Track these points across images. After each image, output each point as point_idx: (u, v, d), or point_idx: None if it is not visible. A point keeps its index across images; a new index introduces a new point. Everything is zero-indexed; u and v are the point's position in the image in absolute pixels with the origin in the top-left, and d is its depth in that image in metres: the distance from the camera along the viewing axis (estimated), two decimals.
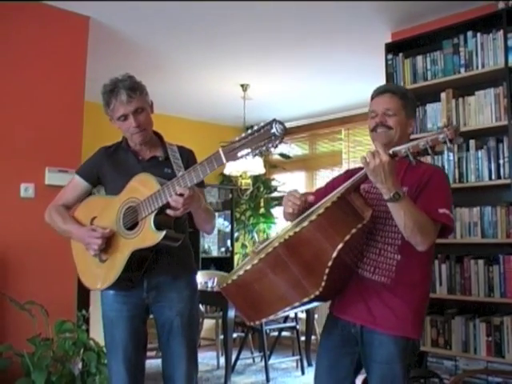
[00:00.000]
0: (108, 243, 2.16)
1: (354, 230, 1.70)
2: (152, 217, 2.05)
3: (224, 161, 1.85)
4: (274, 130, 1.71)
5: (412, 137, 2.06)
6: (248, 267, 1.72)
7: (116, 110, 2.21)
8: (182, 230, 2.22)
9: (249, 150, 1.77)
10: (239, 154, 1.80)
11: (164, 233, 2.03)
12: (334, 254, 1.66)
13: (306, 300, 1.69)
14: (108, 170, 2.32)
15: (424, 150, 1.63)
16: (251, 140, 1.76)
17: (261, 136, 1.74)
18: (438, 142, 1.61)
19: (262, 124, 1.75)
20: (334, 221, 1.70)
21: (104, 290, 2.26)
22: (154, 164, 2.26)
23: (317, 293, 1.67)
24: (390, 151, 1.71)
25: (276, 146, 1.75)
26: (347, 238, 1.67)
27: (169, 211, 2.01)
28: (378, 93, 2.06)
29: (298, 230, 1.68)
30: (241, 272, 1.73)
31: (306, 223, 1.68)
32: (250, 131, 1.78)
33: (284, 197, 1.98)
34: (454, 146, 1.62)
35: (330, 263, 1.65)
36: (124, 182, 2.18)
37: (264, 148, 1.75)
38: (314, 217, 1.68)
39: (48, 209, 2.37)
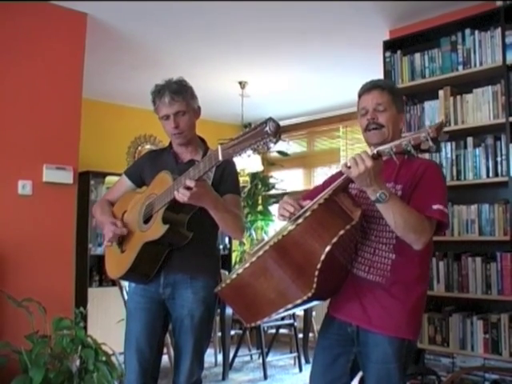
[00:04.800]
0: (130, 235, 2.29)
1: (342, 232, 1.69)
2: (162, 211, 2.14)
3: (220, 158, 1.88)
4: (267, 128, 1.73)
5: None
6: (240, 271, 1.73)
7: (159, 110, 2.34)
8: (201, 232, 2.25)
9: (243, 148, 1.80)
10: (234, 152, 1.83)
11: (167, 226, 2.10)
12: (323, 257, 1.65)
13: (298, 302, 1.69)
14: (148, 171, 2.43)
15: (407, 150, 1.60)
16: (246, 138, 1.79)
17: (255, 134, 1.77)
18: (420, 141, 1.58)
19: (258, 123, 1.77)
20: (321, 223, 1.70)
21: (122, 280, 2.37)
22: (190, 167, 2.31)
23: (309, 294, 1.67)
24: (375, 151, 1.69)
25: (268, 144, 1.76)
26: (335, 240, 1.67)
27: (176, 194, 2.04)
28: (366, 89, 2.03)
29: (286, 233, 1.69)
30: (234, 275, 1.75)
31: (293, 226, 1.68)
32: (247, 129, 1.81)
33: (278, 205, 1.96)
34: (438, 143, 1.59)
35: (319, 265, 1.65)
36: None
37: (256, 146, 1.77)
38: (301, 220, 1.68)
39: (97, 202, 2.61)
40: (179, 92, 2.30)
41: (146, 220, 2.24)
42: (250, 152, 1.80)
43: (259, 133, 1.75)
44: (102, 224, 2.40)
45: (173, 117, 2.30)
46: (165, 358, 2.48)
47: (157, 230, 2.14)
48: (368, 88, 2.02)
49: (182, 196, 2.02)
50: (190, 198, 2.01)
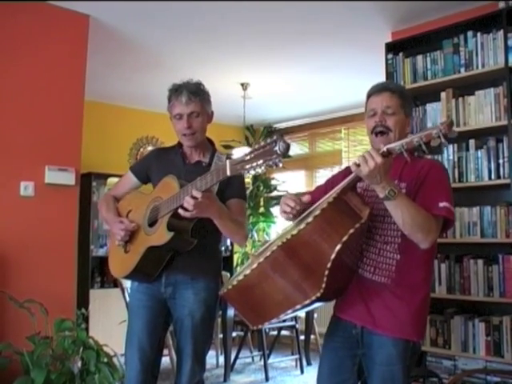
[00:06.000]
0: (134, 236, 2.31)
1: (351, 230, 1.68)
2: (167, 217, 2.14)
3: (228, 173, 1.90)
4: (276, 148, 1.74)
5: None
6: (247, 272, 1.71)
7: (174, 107, 2.35)
8: (204, 237, 2.27)
9: (251, 166, 1.81)
10: (242, 169, 1.84)
11: (172, 234, 2.12)
12: (333, 256, 1.64)
13: (307, 302, 1.68)
14: (155, 169, 2.44)
15: (418, 146, 1.61)
16: (256, 156, 1.80)
17: (265, 153, 1.77)
18: (431, 138, 1.58)
19: (268, 141, 1.77)
20: (330, 222, 1.69)
21: (125, 279, 2.42)
22: (197, 169, 2.33)
23: (318, 294, 1.66)
24: (384, 148, 1.68)
25: (277, 164, 1.77)
26: (345, 238, 1.66)
27: (180, 211, 2.07)
28: (376, 91, 2.01)
29: (295, 232, 1.67)
30: (240, 277, 1.73)
31: (302, 225, 1.67)
32: (256, 146, 1.81)
33: (280, 202, 1.97)
34: (447, 140, 1.59)
35: (329, 265, 1.64)
36: None
37: (265, 164, 1.78)
38: (310, 219, 1.67)
39: (102, 197, 2.62)
40: (197, 93, 2.32)
41: (151, 223, 2.25)
42: (258, 170, 1.80)
43: (268, 152, 1.76)
44: (108, 222, 2.43)
45: (186, 117, 2.31)
46: (167, 360, 2.47)
47: (161, 236, 2.15)
48: (378, 90, 2.01)
49: (187, 205, 2.03)
50: (195, 208, 2.02)
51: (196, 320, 2.30)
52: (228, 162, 1.90)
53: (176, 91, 2.33)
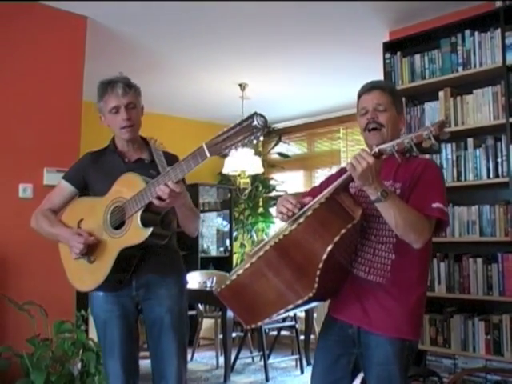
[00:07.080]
0: (97, 244, 2.18)
1: (343, 231, 1.68)
2: (139, 214, 2.08)
3: (208, 155, 1.87)
4: (255, 123, 1.75)
5: None
6: (240, 271, 1.72)
7: (109, 101, 2.26)
8: (169, 229, 2.25)
9: (232, 143, 1.80)
10: (222, 148, 1.83)
11: (151, 229, 2.06)
12: (324, 256, 1.65)
13: (299, 302, 1.68)
14: (93, 173, 2.35)
15: (410, 148, 1.61)
16: (234, 133, 1.80)
17: (243, 129, 1.78)
18: (422, 139, 1.58)
19: (245, 117, 1.78)
20: (322, 222, 1.69)
21: (93, 292, 2.29)
22: (140, 166, 2.29)
23: (310, 295, 1.66)
24: (376, 149, 1.69)
25: (257, 139, 1.78)
26: (337, 239, 1.66)
27: (154, 201, 2.02)
28: (366, 90, 2.03)
29: (287, 233, 1.67)
30: (234, 277, 1.73)
31: (294, 226, 1.68)
32: (232, 125, 1.81)
33: (277, 202, 1.95)
34: (439, 142, 1.59)
35: (320, 265, 1.64)
36: (109, 184, 2.21)
37: (246, 141, 1.78)
38: (302, 219, 1.67)
39: (34, 214, 2.36)
40: (131, 85, 2.30)
41: (117, 226, 2.15)
42: (239, 147, 1.80)
43: (247, 128, 1.76)
44: (60, 236, 2.26)
45: (124, 108, 2.25)
46: (146, 362, 2.41)
47: (137, 234, 2.08)
48: (368, 88, 2.03)
49: (162, 194, 1.98)
50: (169, 197, 1.99)
51: (175, 315, 2.28)
52: (204, 144, 1.87)
53: (109, 83, 2.27)
